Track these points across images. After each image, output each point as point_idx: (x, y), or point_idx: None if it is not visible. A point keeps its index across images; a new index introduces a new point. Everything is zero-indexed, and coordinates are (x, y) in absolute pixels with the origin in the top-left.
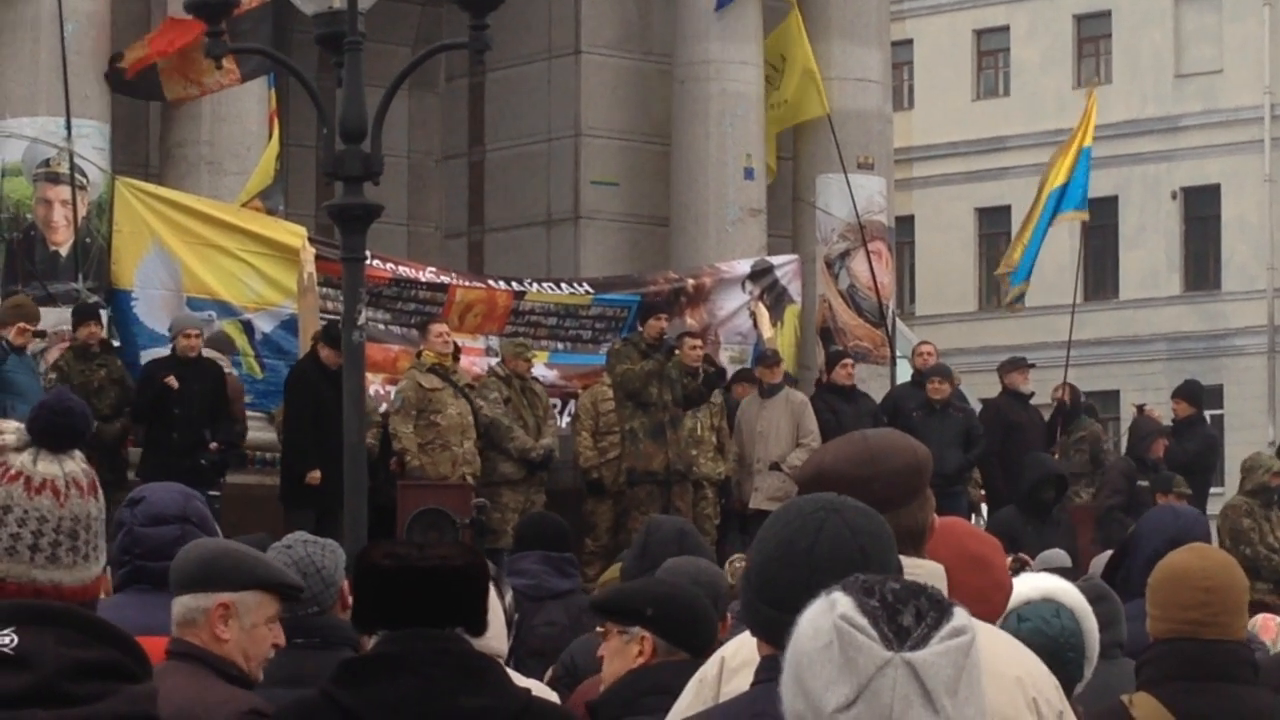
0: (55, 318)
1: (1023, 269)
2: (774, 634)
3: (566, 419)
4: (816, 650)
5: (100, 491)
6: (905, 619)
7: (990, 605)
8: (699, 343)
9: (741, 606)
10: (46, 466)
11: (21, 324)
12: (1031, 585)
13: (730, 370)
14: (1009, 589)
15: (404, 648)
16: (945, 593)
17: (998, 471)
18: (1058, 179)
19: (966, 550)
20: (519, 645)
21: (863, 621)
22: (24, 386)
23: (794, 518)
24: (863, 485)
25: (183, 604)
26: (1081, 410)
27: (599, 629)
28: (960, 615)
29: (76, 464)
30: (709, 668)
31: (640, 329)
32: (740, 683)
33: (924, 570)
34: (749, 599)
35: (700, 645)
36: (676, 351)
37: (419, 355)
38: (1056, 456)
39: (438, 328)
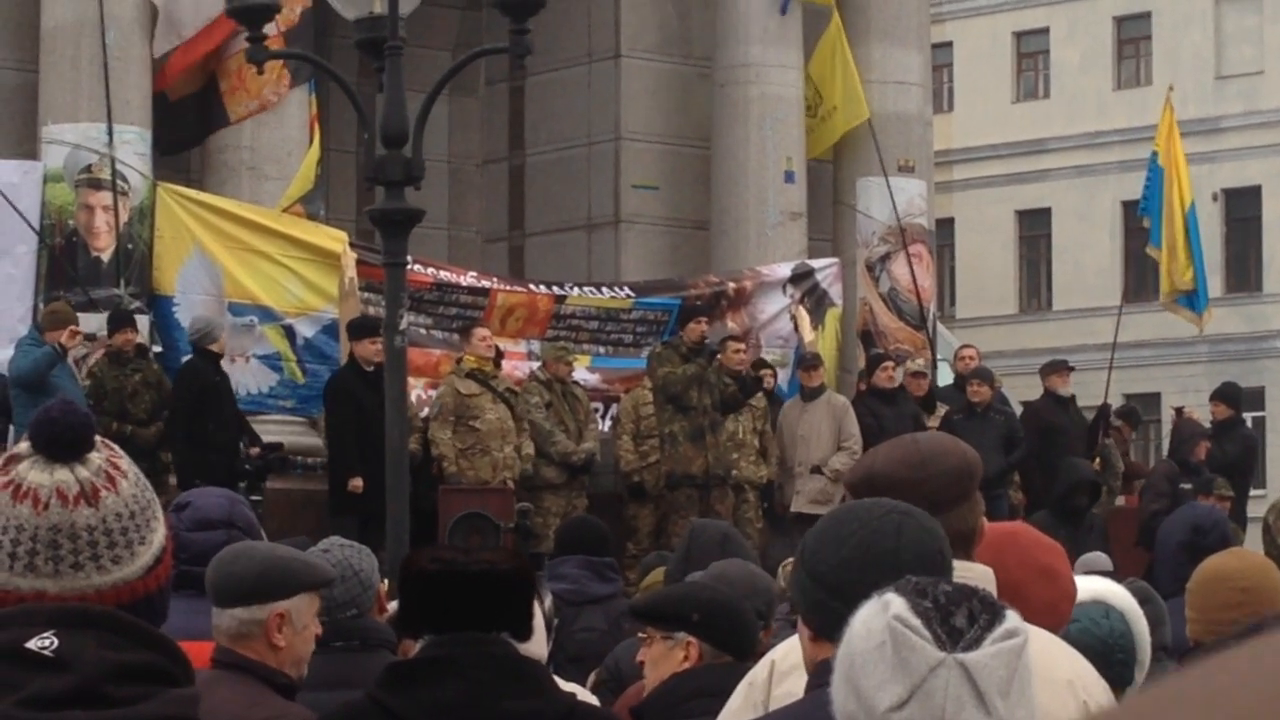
0: (98, 324)
1: (1201, 294)
2: None
3: (608, 423)
4: (869, 650)
5: (107, 498)
6: (958, 620)
7: (1058, 615)
8: (742, 346)
9: (808, 609)
10: (37, 475)
11: (73, 328)
12: (1081, 587)
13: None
14: (1074, 596)
15: (450, 651)
16: (994, 596)
17: (1038, 475)
18: (1188, 195)
19: (1036, 561)
20: (558, 651)
21: (916, 622)
22: (69, 393)
23: (868, 519)
24: (913, 488)
25: (235, 617)
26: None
27: (640, 634)
28: (1012, 618)
29: (73, 473)
30: (759, 670)
31: (681, 333)
32: (791, 685)
33: (973, 574)
34: (819, 600)
35: (745, 648)
36: (718, 355)
37: (459, 360)
38: (1097, 461)
39: (480, 331)
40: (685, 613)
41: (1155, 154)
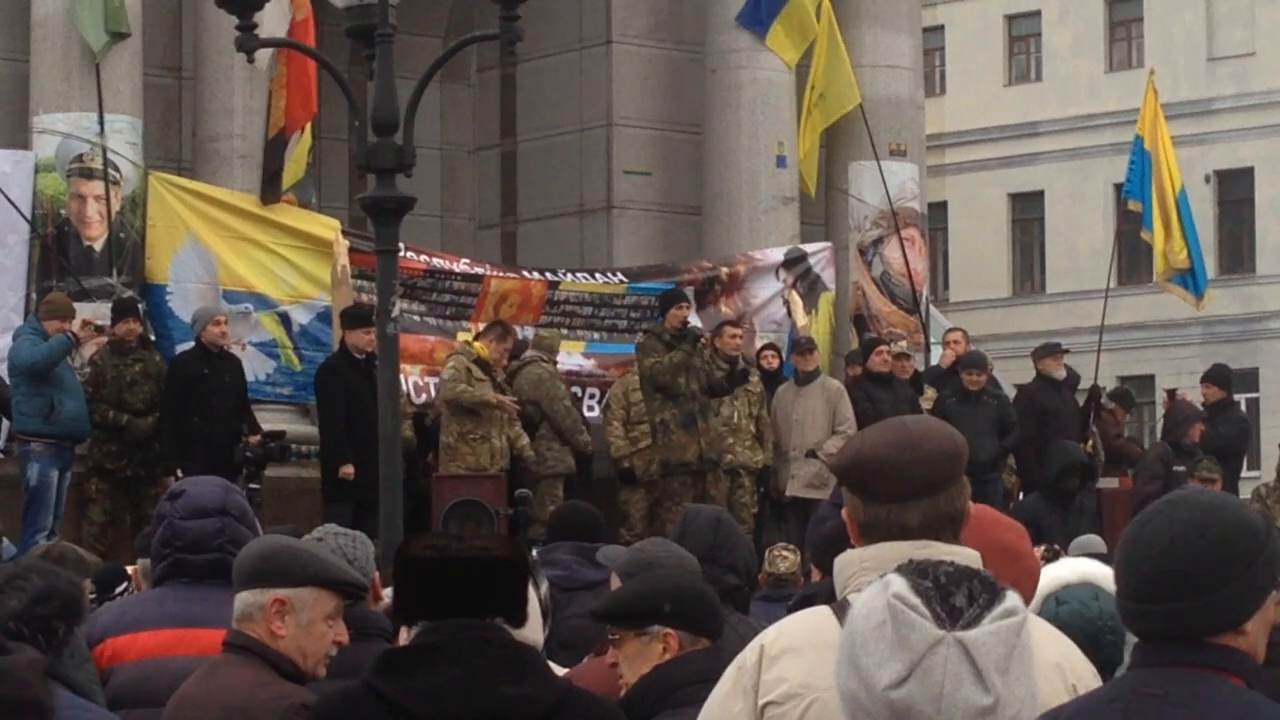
0: (90, 313)
1: (1200, 277)
2: None
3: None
4: (870, 629)
5: None
6: (958, 600)
7: (1023, 593)
8: (738, 331)
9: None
10: None
11: (85, 318)
12: (1071, 569)
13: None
14: (1037, 574)
15: (445, 638)
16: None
17: (1032, 458)
18: (1177, 178)
19: (998, 540)
20: (550, 637)
21: (916, 601)
22: (68, 382)
23: (1144, 527)
24: (902, 470)
25: (241, 599)
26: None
27: (610, 636)
28: (1012, 598)
29: None
30: (748, 654)
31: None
32: (781, 670)
33: (961, 557)
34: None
35: (717, 629)
36: (701, 340)
37: (467, 344)
38: (1090, 443)
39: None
40: (657, 605)
41: (1140, 138)
